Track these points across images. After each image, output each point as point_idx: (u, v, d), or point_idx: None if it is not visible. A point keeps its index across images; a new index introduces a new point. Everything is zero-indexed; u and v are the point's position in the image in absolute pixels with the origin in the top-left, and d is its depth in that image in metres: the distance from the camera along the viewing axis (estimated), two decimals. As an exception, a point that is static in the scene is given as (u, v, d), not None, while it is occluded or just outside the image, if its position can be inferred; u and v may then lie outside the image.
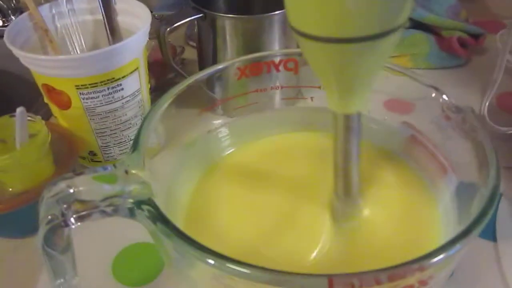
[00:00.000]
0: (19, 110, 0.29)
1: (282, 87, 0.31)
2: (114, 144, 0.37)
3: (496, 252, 0.31)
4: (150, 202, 0.20)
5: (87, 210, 0.20)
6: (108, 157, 0.37)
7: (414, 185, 0.27)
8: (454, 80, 0.49)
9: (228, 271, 0.17)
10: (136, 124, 0.37)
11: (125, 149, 0.38)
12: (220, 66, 0.29)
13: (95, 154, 0.37)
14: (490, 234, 0.32)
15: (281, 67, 0.30)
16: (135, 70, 0.34)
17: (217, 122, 0.31)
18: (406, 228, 0.25)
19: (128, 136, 0.37)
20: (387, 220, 0.25)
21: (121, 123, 0.36)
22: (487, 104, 0.41)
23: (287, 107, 0.33)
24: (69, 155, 0.34)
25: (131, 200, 0.20)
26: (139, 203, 0.20)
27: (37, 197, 0.30)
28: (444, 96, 0.26)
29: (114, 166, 0.21)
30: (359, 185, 0.24)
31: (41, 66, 0.32)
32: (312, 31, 0.18)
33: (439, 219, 0.24)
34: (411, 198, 0.26)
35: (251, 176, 0.29)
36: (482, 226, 0.18)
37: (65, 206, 0.20)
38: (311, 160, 0.29)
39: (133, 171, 0.21)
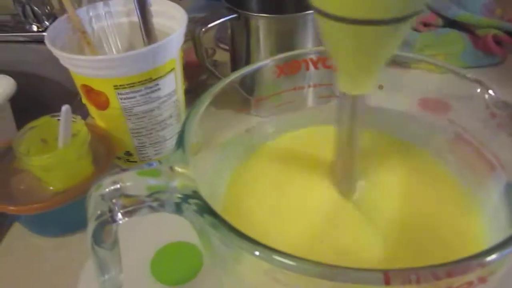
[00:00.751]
0: (64, 108, 0.29)
1: (319, 85, 0.31)
2: (149, 144, 0.37)
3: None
4: (197, 196, 0.20)
5: (134, 205, 0.20)
6: (143, 157, 0.38)
7: (459, 184, 0.26)
8: (490, 79, 0.48)
9: (276, 263, 0.17)
10: (172, 124, 0.37)
11: (160, 149, 0.38)
12: (258, 64, 0.29)
13: (130, 154, 0.38)
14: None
15: (319, 65, 0.30)
16: (171, 70, 0.34)
17: (253, 121, 0.31)
18: (450, 225, 0.24)
19: (164, 137, 0.37)
20: (432, 218, 0.24)
21: (157, 123, 0.36)
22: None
23: (321, 105, 0.32)
24: (107, 155, 0.34)
25: (178, 195, 0.20)
26: (186, 197, 0.20)
27: (77, 196, 0.31)
28: (490, 91, 0.26)
29: (159, 162, 0.21)
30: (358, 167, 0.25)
31: (80, 67, 0.32)
32: (339, 12, 0.18)
33: (486, 219, 0.24)
34: (455, 197, 0.26)
35: (287, 168, 0.28)
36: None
37: (113, 201, 0.20)
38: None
39: (178, 168, 0.21)
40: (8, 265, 0.32)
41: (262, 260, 0.17)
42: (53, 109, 0.33)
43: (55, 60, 0.33)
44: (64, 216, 0.32)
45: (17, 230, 0.35)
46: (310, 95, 0.33)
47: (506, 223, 0.23)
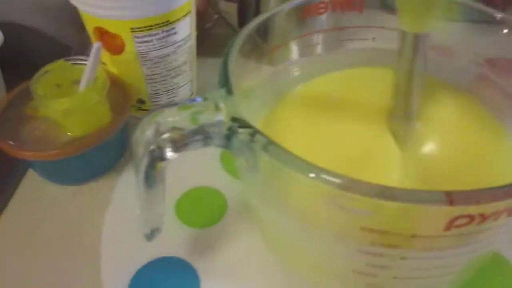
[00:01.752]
0: (97, 45, 0.28)
1: (346, 28, 0.31)
2: (163, 91, 0.36)
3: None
4: (246, 124, 0.19)
5: (184, 139, 0.20)
6: (156, 105, 0.37)
7: (484, 117, 0.27)
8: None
9: (337, 186, 0.16)
10: (186, 71, 0.36)
11: (173, 97, 0.37)
12: (277, 9, 0.28)
13: (143, 102, 0.37)
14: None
15: (345, 7, 0.29)
16: (187, 13, 0.33)
17: (284, 62, 0.30)
18: (477, 156, 0.25)
19: (178, 84, 0.36)
20: (458, 148, 0.25)
21: (172, 69, 0.35)
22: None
23: (348, 48, 0.32)
24: (124, 101, 0.33)
25: (228, 125, 0.20)
26: (235, 128, 0.19)
27: (96, 142, 0.31)
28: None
29: (204, 98, 0.21)
30: (418, 108, 0.25)
31: (94, 6, 0.31)
32: None
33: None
34: (481, 129, 0.26)
35: (319, 109, 0.28)
36: None
37: (162, 137, 0.20)
38: (379, 93, 0.28)
39: (222, 105, 0.21)
40: (25, 215, 0.31)
41: (322, 182, 0.17)
42: (44, 65, 0.31)
43: (46, 10, 0.32)
44: (82, 163, 0.32)
45: (31, 179, 0.34)
46: (329, 39, 0.32)
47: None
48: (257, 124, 0.28)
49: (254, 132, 0.19)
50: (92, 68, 0.29)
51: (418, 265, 0.20)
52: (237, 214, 0.31)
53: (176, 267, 0.28)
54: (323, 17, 0.31)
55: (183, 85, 0.37)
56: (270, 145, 0.18)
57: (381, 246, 0.19)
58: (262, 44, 0.30)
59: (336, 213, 0.19)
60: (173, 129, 0.20)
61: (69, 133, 0.31)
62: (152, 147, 0.19)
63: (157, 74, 0.35)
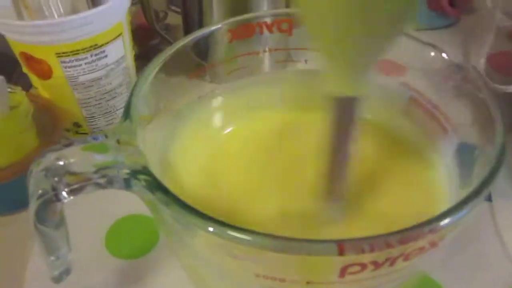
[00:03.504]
0: (-1, 78, 0.27)
1: (275, 50, 0.30)
2: (99, 114, 0.35)
3: (491, 212, 0.31)
4: (146, 171, 0.19)
5: (80, 182, 0.19)
6: (94, 128, 0.36)
7: (414, 147, 0.26)
8: (444, 41, 0.48)
9: (230, 239, 0.16)
10: (122, 93, 0.35)
11: (112, 119, 0.36)
12: (210, 29, 0.28)
13: (80, 126, 0.36)
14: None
15: (274, 28, 0.29)
16: (119, 35, 0.32)
17: (207, 88, 0.29)
18: (406, 192, 0.25)
19: (114, 106, 0.35)
20: (383, 180, 0.25)
21: (106, 92, 0.34)
22: (482, 63, 0.41)
23: (279, 70, 0.32)
24: (53, 127, 0.32)
25: (126, 171, 0.19)
26: (135, 173, 0.19)
27: (22, 171, 0.29)
28: (444, 55, 0.25)
29: (105, 136, 0.20)
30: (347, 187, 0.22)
31: (18, 33, 0.30)
32: None
33: (441, 180, 0.24)
34: (411, 160, 0.26)
35: (245, 149, 0.28)
36: (492, 184, 0.17)
37: (55, 179, 0.19)
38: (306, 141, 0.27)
39: (126, 141, 0.20)
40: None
41: (216, 235, 0.16)
42: None
43: None
44: (9, 193, 0.30)
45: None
46: (266, 60, 0.32)
47: (458, 183, 0.23)
48: (187, 146, 0.27)
49: (152, 182, 0.18)
50: (0, 100, 0.27)
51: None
52: (168, 243, 0.30)
53: (101, 302, 0.27)
54: (263, 37, 0.30)
55: (121, 108, 0.36)
56: (161, 194, 0.17)
57: (281, 292, 0.18)
58: (201, 61, 0.30)
59: (232, 261, 0.18)
60: (69, 171, 0.19)
61: (-7, 163, 0.30)
62: (41, 190, 0.18)
63: (91, 98, 0.34)
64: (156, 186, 0.18)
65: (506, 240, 0.29)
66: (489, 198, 0.32)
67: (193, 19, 0.41)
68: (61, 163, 0.19)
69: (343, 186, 0.22)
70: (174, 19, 0.48)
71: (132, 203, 0.31)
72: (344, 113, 0.20)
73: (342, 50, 0.18)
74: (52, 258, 0.21)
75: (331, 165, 0.21)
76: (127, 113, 0.21)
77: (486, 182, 0.17)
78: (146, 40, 0.44)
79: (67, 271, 0.22)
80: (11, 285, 0.28)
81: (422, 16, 0.50)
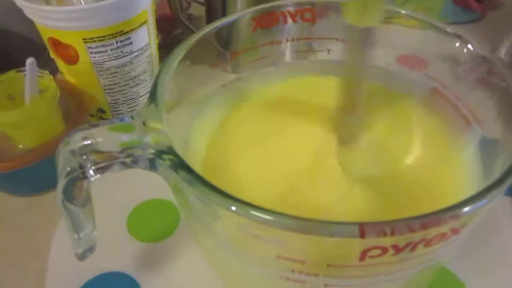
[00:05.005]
0: (29, 61, 0.28)
1: (298, 39, 0.30)
2: (123, 101, 0.36)
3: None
4: (171, 151, 0.19)
5: (106, 161, 0.19)
6: (117, 114, 0.37)
7: (436, 138, 0.26)
8: (469, 36, 0.47)
9: (252, 218, 0.16)
10: (145, 80, 0.36)
11: (135, 106, 0.37)
12: (233, 17, 0.28)
13: (104, 112, 0.36)
14: (507, 189, 0.32)
15: (298, 18, 0.29)
16: (144, 23, 0.33)
17: (228, 77, 0.30)
18: (429, 175, 0.24)
19: (138, 93, 0.36)
20: (408, 166, 0.25)
21: (130, 79, 0.35)
22: (507, 57, 0.41)
23: (300, 60, 0.32)
24: (79, 111, 0.33)
25: (151, 151, 0.19)
26: (160, 153, 0.19)
27: (47, 153, 0.30)
28: (469, 46, 0.25)
29: (132, 117, 0.21)
30: (364, 103, 0.24)
31: (46, 18, 0.30)
32: None
33: (463, 170, 0.24)
34: (434, 147, 0.26)
35: (266, 123, 0.28)
36: (516, 174, 0.17)
37: (83, 157, 0.19)
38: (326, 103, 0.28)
39: (151, 123, 0.21)
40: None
41: (238, 215, 0.17)
42: (20, 65, 0.31)
43: (20, 11, 0.31)
44: (34, 174, 0.31)
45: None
46: (288, 49, 0.32)
47: (479, 175, 0.23)
48: (207, 132, 0.28)
49: (176, 162, 0.19)
50: (30, 84, 0.28)
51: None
52: (189, 227, 0.30)
53: (121, 282, 0.27)
54: (285, 26, 0.30)
55: (144, 94, 0.37)
56: (185, 173, 0.18)
57: (301, 274, 0.18)
58: (223, 50, 0.30)
59: (253, 242, 0.18)
60: (95, 150, 0.20)
61: (20, 145, 0.31)
62: (69, 168, 0.19)
63: (115, 84, 0.34)
64: (181, 165, 0.18)
65: (527, 236, 0.29)
66: (510, 193, 0.32)
67: (216, 9, 0.41)
68: (88, 142, 0.20)
69: (359, 103, 0.24)
70: (197, 9, 0.49)
71: (154, 187, 0.32)
72: (360, 40, 0.22)
73: None
74: (77, 235, 0.22)
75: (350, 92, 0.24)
76: (152, 97, 0.22)
77: (509, 172, 0.17)
78: (170, 29, 0.45)
79: (91, 249, 0.23)
80: (36, 264, 0.29)
81: (448, 11, 0.49)
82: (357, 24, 0.22)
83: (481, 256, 0.28)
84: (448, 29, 0.26)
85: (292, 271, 0.18)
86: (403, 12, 0.27)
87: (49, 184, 0.33)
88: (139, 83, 0.35)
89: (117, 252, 0.29)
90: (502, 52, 0.41)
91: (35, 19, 0.31)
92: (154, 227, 0.30)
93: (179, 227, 0.30)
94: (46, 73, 0.31)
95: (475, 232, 0.29)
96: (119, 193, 0.32)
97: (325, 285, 0.19)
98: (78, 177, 0.19)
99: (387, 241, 0.16)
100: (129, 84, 0.35)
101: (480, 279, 0.27)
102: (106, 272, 0.28)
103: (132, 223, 0.31)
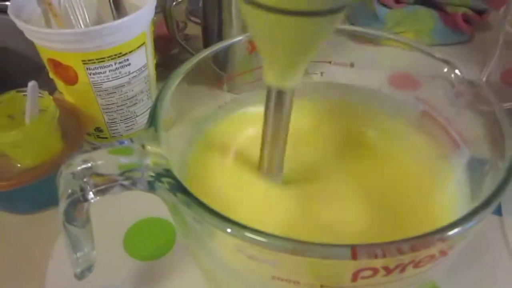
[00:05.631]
0: (31, 84, 0.28)
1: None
2: (120, 120, 0.36)
3: (501, 226, 0.32)
4: (169, 174, 0.20)
5: (106, 183, 0.20)
6: (114, 133, 0.37)
7: (426, 159, 0.27)
8: (458, 56, 0.48)
9: (247, 240, 0.17)
10: (142, 100, 0.37)
11: (131, 125, 0.37)
12: (232, 40, 0.29)
13: (101, 131, 0.37)
14: (496, 208, 0.33)
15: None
16: (142, 44, 0.34)
17: (225, 97, 0.30)
18: (417, 197, 0.25)
19: (135, 112, 0.37)
20: (397, 190, 0.25)
21: (128, 99, 0.35)
22: (484, 78, 0.42)
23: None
24: (77, 131, 0.34)
25: (151, 173, 0.20)
26: (158, 176, 0.20)
27: (46, 172, 0.31)
28: (457, 71, 0.26)
29: (131, 140, 0.21)
30: (282, 164, 0.24)
31: (47, 40, 0.31)
32: (272, 2, 0.17)
33: (452, 193, 0.25)
34: (423, 168, 0.26)
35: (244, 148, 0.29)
36: (501, 196, 0.18)
37: (84, 180, 0.20)
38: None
39: (150, 146, 0.21)
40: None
41: (233, 236, 0.17)
42: (19, 84, 0.32)
43: (20, 31, 0.32)
44: (33, 193, 0.32)
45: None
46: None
47: (468, 197, 0.24)
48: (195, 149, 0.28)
49: (174, 185, 0.19)
50: (31, 105, 0.29)
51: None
52: (185, 245, 0.31)
53: (118, 301, 0.28)
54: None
55: (141, 114, 0.37)
56: (183, 196, 0.18)
57: (296, 294, 0.19)
58: (220, 72, 0.31)
59: (249, 262, 0.19)
60: (96, 173, 0.20)
61: (19, 164, 0.31)
62: (70, 190, 0.20)
63: (113, 103, 0.35)
64: (178, 188, 0.19)
65: (516, 254, 0.30)
66: (499, 213, 0.32)
67: (212, 30, 0.42)
68: (89, 165, 0.20)
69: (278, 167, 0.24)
70: (194, 29, 0.50)
71: (149, 206, 0.32)
72: (277, 102, 0.22)
73: (274, 53, 0.20)
74: (76, 255, 0.22)
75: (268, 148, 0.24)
76: (152, 121, 0.22)
77: (496, 194, 0.18)
78: (167, 49, 0.46)
79: (89, 269, 0.23)
80: (33, 283, 0.29)
81: (438, 32, 0.51)
82: (277, 84, 0.21)
83: (472, 274, 0.29)
84: (436, 54, 0.27)
85: (287, 291, 0.19)
86: (390, 36, 0.28)
87: (48, 202, 0.33)
88: (136, 103, 0.36)
89: (114, 271, 0.29)
90: (485, 74, 0.43)
91: (35, 40, 0.32)
92: (151, 245, 0.31)
93: (175, 245, 0.31)
94: (45, 93, 0.31)
95: (465, 251, 0.30)
96: (115, 212, 0.33)
97: (319, 305, 0.19)
98: (78, 199, 0.20)
99: (378, 263, 0.17)
100: (126, 104, 0.35)
101: (470, 297, 0.28)
102: (103, 291, 0.28)
103: (129, 242, 0.31)
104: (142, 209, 0.33)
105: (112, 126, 0.37)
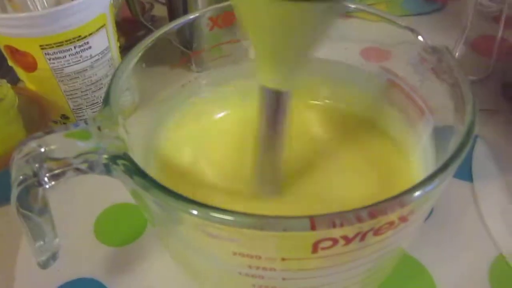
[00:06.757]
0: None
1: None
2: (86, 106, 0.36)
3: (472, 192, 0.32)
4: (125, 157, 0.19)
5: (61, 168, 0.19)
6: (81, 119, 0.36)
7: (392, 128, 0.27)
8: (430, 26, 0.48)
9: (209, 219, 0.16)
10: (108, 84, 0.36)
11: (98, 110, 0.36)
12: (190, 17, 0.28)
13: (67, 118, 0.36)
14: (467, 175, 0.33)
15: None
16: (102, 26, 0.33)
17: (190, 76, 0.30)
18: (383, 169, 0.25)
19: (100, 97, 0.36)
20: (365, 162, 0.25)
21: (92, 83, 0.34)
22: (458, 49, 0.42)
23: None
24: (41, 119, 0.33)
25: (105, 156, 0.19)
26: (114, 158, 0.19)
27: (8, 163, 0.30)
28: (420, 37, 0.26)
29: (85, 122, 0.21)
30: (280, 174, 0.23)
31: (2, 26, 0.30)
32: None
33: (418, 161, 0.25)
34: (389, 141, 0.26)
35: (229, 133, 0.28)
36: (459, 160, 0.18)
37: (37, 165, 0.19)
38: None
39: (106, 127, 0.21)
40: None
41: (196, 217, 0.17)
42: None
43: None
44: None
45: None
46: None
47: (432, 164, 0.24)
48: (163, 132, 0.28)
49: (130, 167, 0.19)
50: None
51: (306, 284, 0.20)
52: (154, 229, 0.30)
53: (90, 288, 0.27)
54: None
55: (108, 98, 0.36)
56: (140, 179, 0.18)
57: (259, 269, 0.18)
58: (185, 49, 0.30)
59: (210, 240, 0.18)
60: (50, 157, 0.19)
61: (-21, 156, 0.30)
62: (22, 176, 0.19)
63: (77, 89, 0.34)
64: (135, 171, 0.18)
65: (487, 219, 0.30)
66: (470, 179, 0.32)
67: (178, 9, 0.41)
68: (42, 149, 0.20)
69: (277, 175, 0.23)
70: (160, 10, 0.49)
71: (119, 192, 0.32)
72: (274, 105, 0.20)
73: (273, 49, 0.19)
74: (38, 244, 0.22)
75: (262, 156, 0.22)
76: (106, 101, 0.22)
77: (453, 157, 0.18)
78: (133, 32, 0.45)
79: (53, 257, 0.23)
80: (2, 275, 0.28)
81: (409, 1, 0.50)
82: (274, 86, 0.20)
83: (444, 241, 0.29)
84: (400, 22, 0.27)
85: (250, 266, 0.18)
86: (355, 7, 0.28)
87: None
88: (101, 87, 0.35)
89: (85, 258, 0.29)
90: (460, 43, 0.42)
91: (-10, 26, 0.31)
92: (122, 231, 0.30)
93: (146, 230, 0.30)
94: (3, 81, 0.30)
95: (437, 217, 0.30)
96: (85, 198, 0.32)
97: (283, 278, 0.19)
98: (32, 184, 0.19)
99: (336, 232, 0.17)
100: (91, 88, 0.35)
101: (442, 263, 0.28)
102: (74, 279, 0.28)
103: (99, 228, 0.30)
104: (112, 195, 0.32)
105: (78, 113, 0.36)
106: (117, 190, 0.32)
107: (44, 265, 0.23)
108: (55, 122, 0.37)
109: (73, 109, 0.35)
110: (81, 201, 0.32)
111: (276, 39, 0.18)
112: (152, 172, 0.19)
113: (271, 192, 0.24)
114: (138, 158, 0.20)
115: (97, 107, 0.36)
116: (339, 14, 0.18)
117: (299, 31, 0.18)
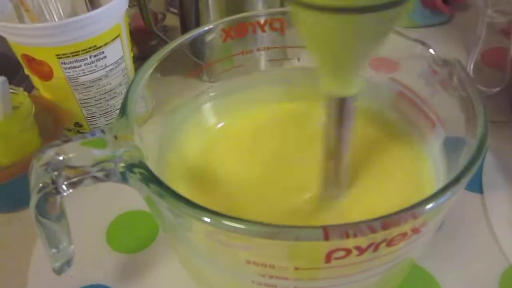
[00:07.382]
0: (1, 80, 0.28)
1: (268, 48, 0.31)
2: (100, 114, 0.36)
3: (483, 204, 0.32)
4: (141, 165, 0.19)
5: (78, 176, 0.20)
6: (94, 127, 0.37)
7: (403, 140, 0.27)
8: (438, 38, 0.49)
9: (223, 227, 0.17)
10: (121, 93, 0.36)
11: (111, 119, 0.37)
12: (204, 29, 0.29)
13: (81, 126, 0.37)
14: (477, 186, 0.33)
15: (266, 28, 0.30)
16: (117, 37, 0.33)
17: (203, 86, 0.30)
18: (396, 182, 0.25)
19: (114, 106, 0.36)
20: (376, 174, 0.25)
21: (106, 92, 0.35)
22: (472, 63, 0.42)
23: (273, 68, 0.32)
24: (55, 127, 0.33)
25: (122, 164, 0.20)
26: (130, 167, 0.20)
27: (25, 169, 0.30)
28: (431, 50, 0.26)
29: (102, 131, 0.21)
30: (349, 174, 0.24)
31: (19, 35, 0.31)
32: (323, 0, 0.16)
33: (429, 172, 0.25)
34: (400, 153, 0.27)
35: (241, 141, 0.29)
36: (471, 173, 0.18)
37: (55, 173, 0.20)
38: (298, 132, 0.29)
39: (122, 136, 0.21)
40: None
41: (208, 224, 0.17)
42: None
43: None
44: (12, 191, 0.31)
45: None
46: (262, 58, 0.33)
47: (445, 176, 0.24)
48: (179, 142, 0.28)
49: (146, 175, 0.19)
50: (2, 101, 0.28)
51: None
52: (166, 236, 0.31)
53: (102, 295, 0.28)
54: (256, 36, 0.31)
55: (120, 107, 0.37)
56: (159, 188, 0.18)
57: (272, 278, 0.19)
58: (197, 60, 0.30)
59: (223, 248, 0.19)
60: (68, 165, 0.20)
61: (-5, 163, 0.31)
62: (41, 183, 0.19)
63: (91, 98, 0.35)
64: (151, 179, 0.19)
65: (497, 231, 0.30)
66: (480, 191, 0.33)
67: (190, 20, 0.42)
68: (61, 158, 0.20)
69: (344, 179, 0.24)
70: (173, 20, 0.49)
71: (132, 199, 0.32)
72: (340, 111, 0.21)
73: (333, 58, 0.19)
74: (54, 250, 0.22)
75: (333, 160, 0.23)
76: (123, 110, 0.22)
77: (465, 170, 0.18)
78: (145, 41, 0.45)
79: (68, 263, 0.23)
80: (15, 280, 0.29)
81: (417, 13, 0.50)
82: (334, 93, 0.21)
83: (454, 252, 0.29)
84: (410, 35, 0.27)
85: (263, 275, 0.19)
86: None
87: (28, 200, 0.33)
88: (115, 96, 0.36)
89: (97, 264, 0.29)
90: (473, 58, 0.43)
91: (7, 36, 0.32)
92: (134, 238, 0.31)
93: (158, 237, 0.31)
94: (20, 89, 0.31)
95: (447, 229, 0.30)
96: (97, 205, 0.32)
97: (295, 287, 0.19)
98: (50, 192, 0.20)
99: (350, 243, 0.17)
100: (105, 97, 0.35)
101: (452, 274, 0.28)
102: (86, 285, 0.28)
103: (111, 235, 0.31)
104: (124, 202, 0.32)
105: (92, 121, 0.36)
106: (129, 197, 0.32)
107: (59, 271, 0.23)
108: (69, 130, 0.37)
109: (86, 117, 0.36)
110: (94, 208, 0.32)
111: (338, 53, 0.19)
112: (165, 179, 0.20)
113: (336, 196, 0.24)
114: (152, 164, 0.20)
115: (110, 115, 0.37)
116: (396, 21, 0.18)
117: (357, 43, 0.18)
